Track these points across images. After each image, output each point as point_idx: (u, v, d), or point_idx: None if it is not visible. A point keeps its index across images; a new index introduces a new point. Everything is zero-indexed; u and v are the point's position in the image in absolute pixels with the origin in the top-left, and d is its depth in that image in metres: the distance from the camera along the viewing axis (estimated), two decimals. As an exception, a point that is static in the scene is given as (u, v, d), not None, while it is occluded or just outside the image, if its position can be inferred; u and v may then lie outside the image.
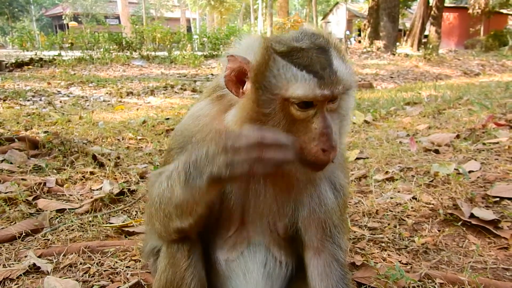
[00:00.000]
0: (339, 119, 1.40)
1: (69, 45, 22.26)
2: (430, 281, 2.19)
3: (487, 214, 2.79)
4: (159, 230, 1.48)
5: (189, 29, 38.42)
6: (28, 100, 9.68)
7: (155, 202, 1.42)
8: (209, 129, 1.49)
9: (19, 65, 17.77)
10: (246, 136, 1.17)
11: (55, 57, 19.23)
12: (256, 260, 1.59)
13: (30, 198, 3.35)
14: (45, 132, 5.54)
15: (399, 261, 2.42)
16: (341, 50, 1.43)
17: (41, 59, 18.77)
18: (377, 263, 2.38)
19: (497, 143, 4.51)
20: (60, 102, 9.87)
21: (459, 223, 2.80)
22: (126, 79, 14.67)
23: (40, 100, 9.89)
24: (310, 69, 1.27)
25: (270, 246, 1.60)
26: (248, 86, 1.34)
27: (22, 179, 3.72)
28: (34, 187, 3.54)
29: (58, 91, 11.62)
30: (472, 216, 2.81)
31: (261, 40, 1.35)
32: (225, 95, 1.47)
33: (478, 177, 3.57)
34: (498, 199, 3.11)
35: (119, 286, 2.18)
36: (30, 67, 17.63)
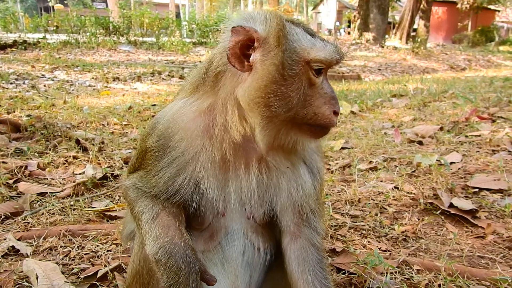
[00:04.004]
0: None
1: (55, 28, 21.68)
2: (407, 267, 2.24)
3: (465, 204, 2.85)
4: None
5: (178, 15, 37.78)
6: (11, 83, 9.46)
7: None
8: (192, 127, 1.44)
9: (2, 47, 17.26)
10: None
11: (39, 40, 18.74)
12: (235, 249, 1.56)
13: (11, 181, 3.30)
14: (27, 115, 5.43)
15: (379, 248, 2.46)
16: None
17: (25, 41, 18.26)
18: (356, 249, 2.42)
19: (479, 135, 4.60)
20: (44, 86, 9.67)
21: (438, 212, 2.85)
22: (113, 64, 14.41)
23: (24, 83, 9.66)
24: (321, 38, 1.44)
25: (248, 234, 1.58)
26: (256, 56, 1.34)
27: (3, 162, 3.65)
28: (15, 170, 3.49)
29: (42, 75, 11.37)
30: (451, 205, 2.87)
31: (268, 10, 1.42)
32: (211, 87, 1.44)
33: (459, 168, 3.64)
34: (477, 189, 3.18)
35: (100, 269, 2.17)
36: (14, 49, 17.14)
